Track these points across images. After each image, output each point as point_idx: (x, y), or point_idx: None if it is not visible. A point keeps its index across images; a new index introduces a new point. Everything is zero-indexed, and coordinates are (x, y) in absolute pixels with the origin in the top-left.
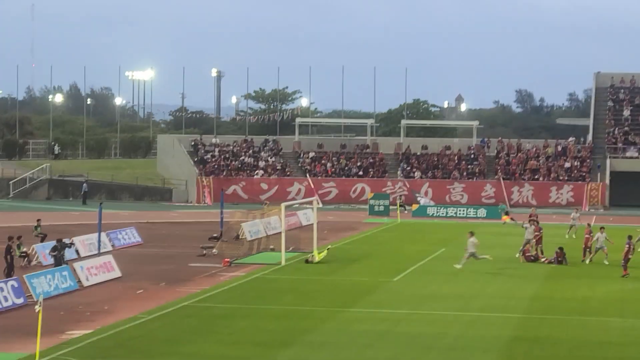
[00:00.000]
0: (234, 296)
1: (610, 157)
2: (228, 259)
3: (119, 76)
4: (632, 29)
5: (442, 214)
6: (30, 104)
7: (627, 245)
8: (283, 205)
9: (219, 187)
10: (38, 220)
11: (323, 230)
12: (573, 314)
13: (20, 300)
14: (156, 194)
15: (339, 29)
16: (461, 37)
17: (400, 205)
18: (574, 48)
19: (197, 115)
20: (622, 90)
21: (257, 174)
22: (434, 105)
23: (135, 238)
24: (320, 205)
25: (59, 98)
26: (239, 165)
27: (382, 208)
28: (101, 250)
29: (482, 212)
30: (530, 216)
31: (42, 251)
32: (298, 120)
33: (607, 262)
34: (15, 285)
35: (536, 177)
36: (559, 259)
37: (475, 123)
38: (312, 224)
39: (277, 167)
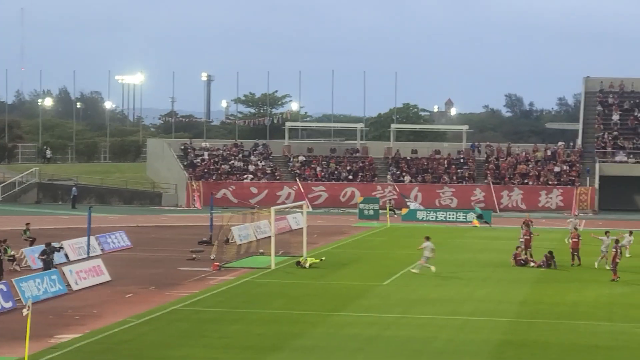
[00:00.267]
0: (223, 300)
1: (599, 162)
2: (218, 263)
3: (108, 80)
4: (621, 34)
5: (432, 218)
6: (19, 108)
7: (615, 250)
8: (273, 209)
9: (209, 191)
10: (27, 224)
11: (313, 234)
12: (562, 318)
13: (9, 305)
14: (146, 198)
15: (329, 33)
16: (451, 42)
17: (390, 210)
18: (564, 53)
19: (187, 120)
20: (611, 95)
21: (246, 178)
22: (423, 110)
23: (125, 242)
24: (310, 209)
25: (48, 102)
26: (229, 169)
27: (371, 212)
28: (90, 254)
29: (471, 216)
30: (524, 222)
31: (31, 255)
32: (288, 124)
33: (597, 266)
34: (4, 289)
35: (526, 181)
36: (548, 262)
37: (464, 127)
38: (302, 228)
39: (267, 171)
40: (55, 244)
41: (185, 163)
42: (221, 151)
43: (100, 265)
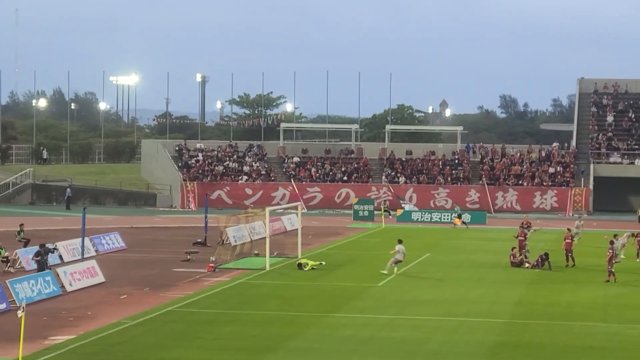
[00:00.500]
0: (218, 302)
1: (593, 163)
2: (212, 264)
3: (103, 81)
4: (616, 36)
5: (427, 219)
6: (13, 109)
7: (610, 251)
8: (267, 210)
9: (203, 192)
10: (21, 225)
11: (307, 235)
12: (557, 319)
13: (2, 306)
14: (140, 199)
15: (323, 34)
16: (446, 43)
17: (384, 211)
18: (558, 54)
19: (182, 121)
20: (606, 96)
21: (241, 179)
22: (418, 111)
23: (119, 243)
24: (305, 210)
25: (42, 103)
26: (224, 170)
27: (366, 213)
28: (85, 256)
29: (466, 217)
30: (522, 223)
31: (25, 256)
32: (282, 125)
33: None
34: None
35: (520, 182)
36: (543, 263)
37: (459, 128)
38: (297, 229)
39: (262, 172)
40: (50, 245)
41: (179, 164)
42: (216, 152)
43: (95, 267)
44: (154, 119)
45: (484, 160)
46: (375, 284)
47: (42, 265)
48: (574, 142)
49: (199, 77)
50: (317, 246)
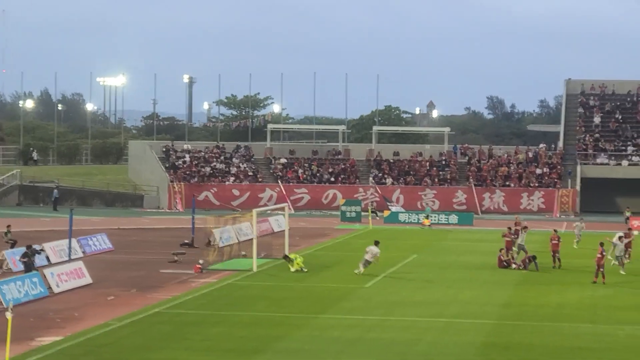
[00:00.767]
0: (205, 303)
1: (580, 164)
2: (200, 266)
3: (90, 82)
4: (604, 37)
5: (414, 220)
6: (0, 110)
7: (601, 254)
8: (255, 211)
9: (191, 193)
10: (8, 226)
11: (295, 237)
12: (546, 320)
13: None
14: (127, 200)
15: (311, 35)
16: (433, 44)
17: (372, 212)
18: (545, 55)
19: (169, 122)
20: (593, 97)
21: (228, 180)
22: (405, 112)
23: (106, 244)
24: (292, 211)
25: (29, 104)
26: (211, 172)
27: (354, 214)
28: (72, 257)
29: (453, 218)
30: (515, 224)
31: (12, 257)
32: (270, 126)
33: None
34: None
35: (507, 183)
36: (527, 264)
37: (446, 129)
38: (284, 230)
39: (249, 174)
40: (37, 247)
41: (167, 165)
42: (203, 153)
43: (82, 268)
44: (141, 120)
45: (471, 162)
46: (362, 285)
47: (29, 267)
48: (561, 143)
49: (186, 79)
50: (304, 247)
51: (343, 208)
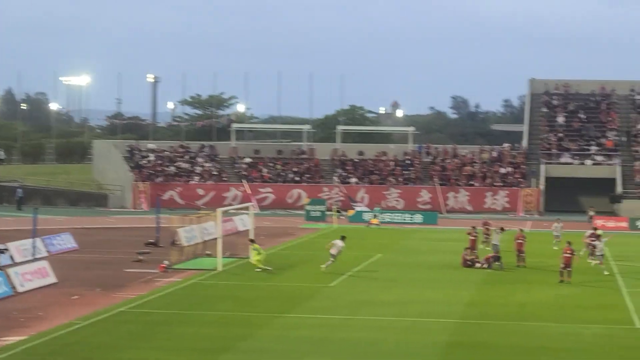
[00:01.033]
0: (171, 302)
1: (544, 163)
2: (165, 265)
3: (54, 81)
4: (566, 37)
5: (379, 219)
6: None
7: (570, 252)
8: (219, 210)
9: (155, 192)
10: None
11: (260, 236)
12: (510, 319)
13: None
14: (92, 199)
15: (275, 35)
16: (397, 44)
17: (336, 211)
18: (509, 55)
19: (133, 121)
20: (556, 97)
21: (193, 179)
22: (370, 111)
23: (71, 244)
24: (257, 210)
25: None
26: (175, 171)
27: (318, 214)
28: (36, 256)
29: (418, 217)
30: (483, 224)
31: None
32: (234, 126)
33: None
34: None
35: (472, 182)
36: (491, 262)
37: (410, 129)
38: (249, 230)
39: (214, 173)
40: (1, 246)
41: (131, 165)
42: (167, 153)
43: (46, 267)
44: (105, 120)
45: (436, 161)
46: (328, 284)
47: None
48: (524, 143)
49: (150, 78)
50: (269, 247)
51: (308, 207)
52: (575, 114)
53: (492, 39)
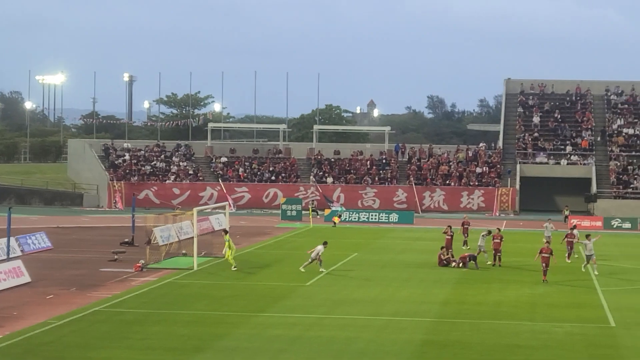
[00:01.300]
0: (146, 301)
1: (520, 163)
2: (140, 264)
3: (29, 80)
4: (542, 37)
5: (354, 219)
6: None
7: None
8: (195, 210)
9: (131, 191)
10: None
11: (236, 235)
12: (484, 318)
13: None
14: (67, 198)
15: (251, 34)
16: (373, 43)
17: (312, 210)
18: (485, 55)
19: (109, 120)
20: (532, 97)
21: (169, 178)
22: (346, 111)
23: (45, 243)
24: (233, 209)
25: None
26: (151, 170)
27: (294, 213)
28: (10, 255)
29: (394, 217)
30: (463, 224)
31: None
32: (210, 125)
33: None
34: None
35: (447, 182)
36: (467, 262)
37: (387, 128)
38: (224, 229)
39: (190, 172)
40: None
41: (106, 164)
42: (143, 152)
43: (20, 267)
44: (80, 119)
45: (412, 160)
46: (303, 284)
47: None
48: (500, 143)
49: (126, 77)
50: (245, 246)
51: (284, 207)
52: (550, 114)
53: (468, 39)
